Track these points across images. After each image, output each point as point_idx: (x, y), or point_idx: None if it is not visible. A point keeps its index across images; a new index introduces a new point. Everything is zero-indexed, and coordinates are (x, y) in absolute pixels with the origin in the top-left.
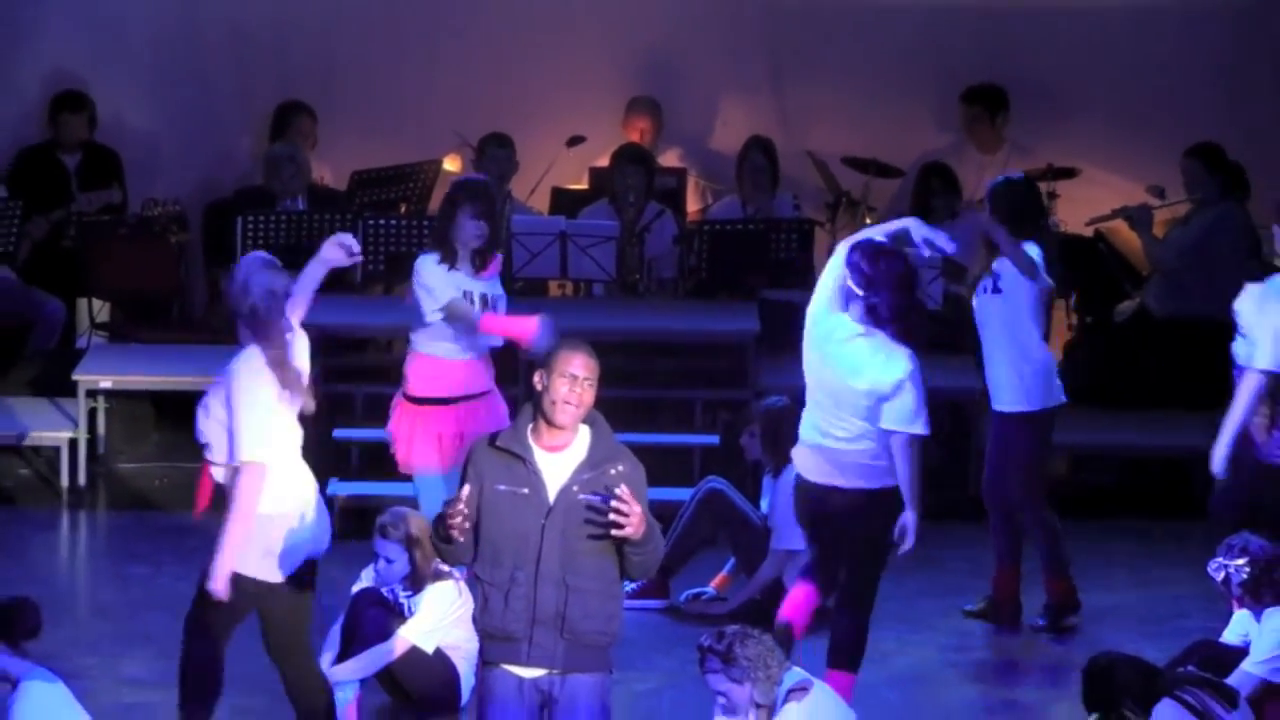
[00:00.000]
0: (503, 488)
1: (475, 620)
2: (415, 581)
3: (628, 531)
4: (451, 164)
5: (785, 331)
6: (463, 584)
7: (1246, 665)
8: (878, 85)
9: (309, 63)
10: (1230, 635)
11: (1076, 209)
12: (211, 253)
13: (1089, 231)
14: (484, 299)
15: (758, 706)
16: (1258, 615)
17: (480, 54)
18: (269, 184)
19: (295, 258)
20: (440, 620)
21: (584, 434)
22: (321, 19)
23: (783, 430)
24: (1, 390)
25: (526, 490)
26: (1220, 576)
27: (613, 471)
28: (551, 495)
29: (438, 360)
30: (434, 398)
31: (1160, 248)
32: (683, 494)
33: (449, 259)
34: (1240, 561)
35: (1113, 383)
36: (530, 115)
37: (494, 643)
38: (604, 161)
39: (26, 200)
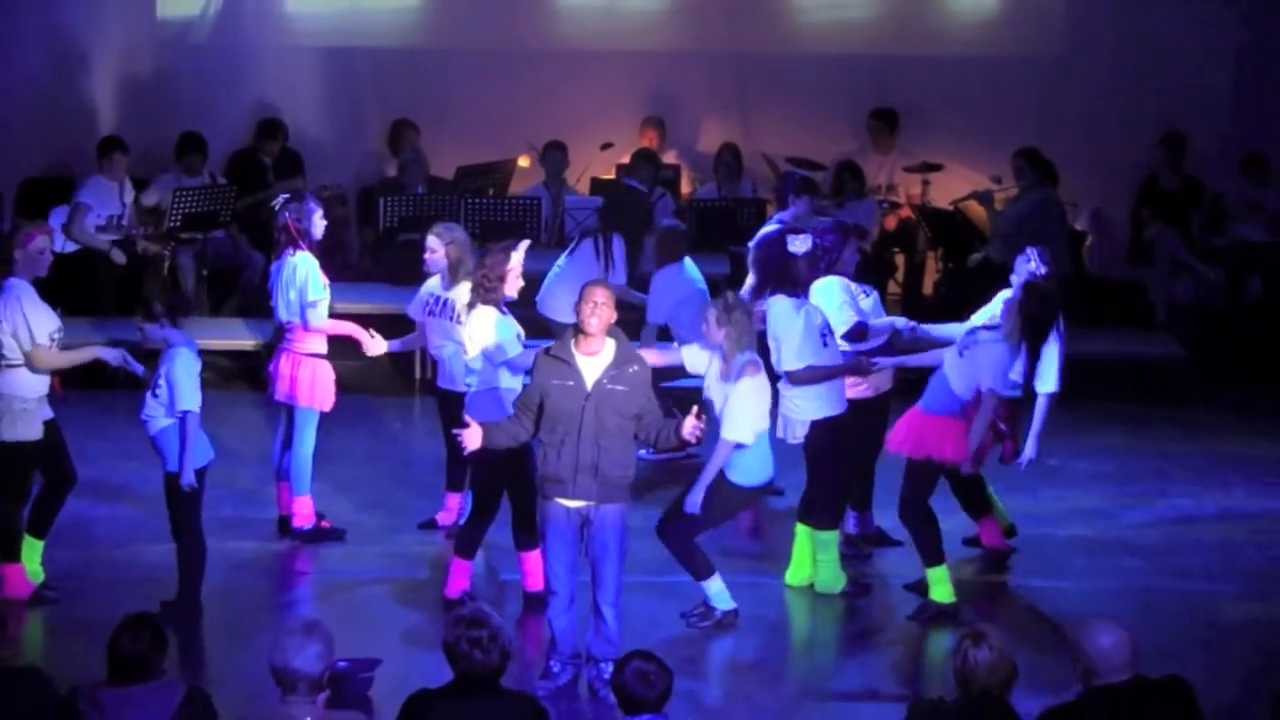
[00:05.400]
0: (555, 381)
1: (537, 469)
2: (453, 276)
3: (693, 442)
4: (524, 161)
5: (744, 273)
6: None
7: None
8: (810, 108)
9: (427, 90)
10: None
11: (943, 191)
12: (362, 221)
13: (951, 207)
14: None
15: (723, 357)
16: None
17: (544, 86)
18: (401, 176)
19: (418, 226)
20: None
21: (610, 344)
22: (436, 60)
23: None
24: (222, 313)
25: (571, 382)
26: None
27: (630, 370)
28: (589, 385)
29: None
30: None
31: (999, 218)
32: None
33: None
34: (1031, 266)
35: (964, 308)
36: (577, 128)
37: (549, 483)
38: (626, 160)
39: (238, 187)
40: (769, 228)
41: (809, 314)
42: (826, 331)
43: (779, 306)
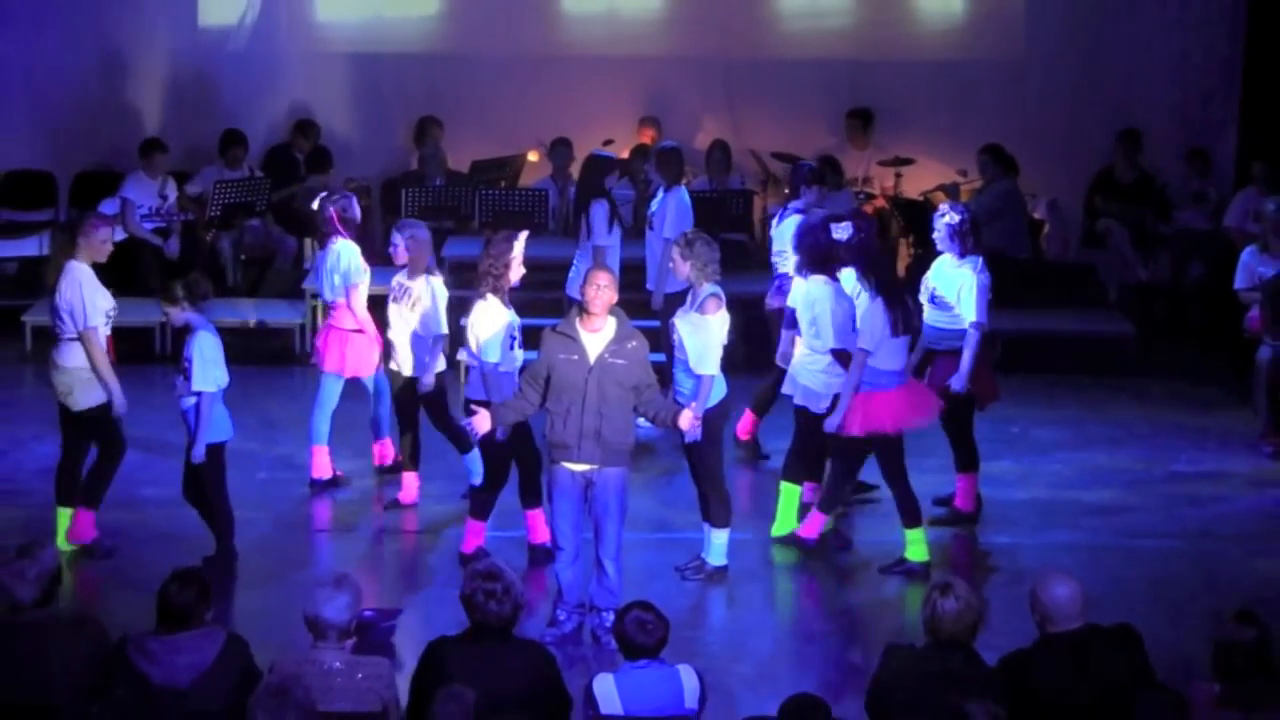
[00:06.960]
0: (561, 356)
1: (545, 436)
2: (413, 269)
3: (690, 431)
4: (533, 156)
5: (735, 259)
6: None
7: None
8: (793, 108)
9: (445, 92)
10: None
11: (914, 183)
12: (386, 211)
13: (921, 198)
14: None
15: (690, 285)
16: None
17: (551, 88)
18: (421, 170)
19: (436, 215)
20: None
21: (611, 322)
22: (453, 65)
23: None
24: (259, 295)
25: (576, 356)
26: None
27: (629, 345)
28: (592, 359)
29: None
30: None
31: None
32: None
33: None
34: (946, 219)
35: None
36: (581, 126)
37: (556, 449)
38: (625, 155)
39: (273, 179)
40: (791, 218)
41: (850, 303)
42: (852, 317)
43: (817, 288)
